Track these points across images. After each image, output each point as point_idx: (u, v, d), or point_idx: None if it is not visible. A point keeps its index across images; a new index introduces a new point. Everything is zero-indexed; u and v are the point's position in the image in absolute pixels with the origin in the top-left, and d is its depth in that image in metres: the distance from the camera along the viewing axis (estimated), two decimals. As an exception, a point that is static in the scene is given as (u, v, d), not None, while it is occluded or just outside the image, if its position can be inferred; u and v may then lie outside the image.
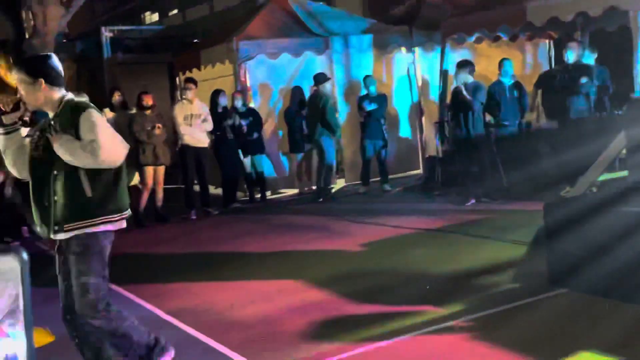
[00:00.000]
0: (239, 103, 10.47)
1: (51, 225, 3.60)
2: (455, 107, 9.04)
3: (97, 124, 3.56)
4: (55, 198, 3.58)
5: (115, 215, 3.68)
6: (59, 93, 3.67)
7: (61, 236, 3.64)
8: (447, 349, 4.08)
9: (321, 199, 10.31)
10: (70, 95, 3.71)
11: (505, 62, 9.67)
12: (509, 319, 4.45)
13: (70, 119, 3.59)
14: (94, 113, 3.62)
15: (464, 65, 9.02)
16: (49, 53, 3.86)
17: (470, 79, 8.93)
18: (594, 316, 4.32)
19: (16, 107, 3.57)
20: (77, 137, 3.55)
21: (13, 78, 3.87)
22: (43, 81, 3.58)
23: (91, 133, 3.52)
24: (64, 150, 3.51)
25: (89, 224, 3.60)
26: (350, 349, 4.23)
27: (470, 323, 4.45)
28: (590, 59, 9.21)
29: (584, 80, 8.56)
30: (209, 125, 9.95)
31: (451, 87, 9.68)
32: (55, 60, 3.68)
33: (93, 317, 3.67)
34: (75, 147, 3.51)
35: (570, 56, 8.74)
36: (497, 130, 9.53)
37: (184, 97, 9.96)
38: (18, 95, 3.63)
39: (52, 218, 3.59)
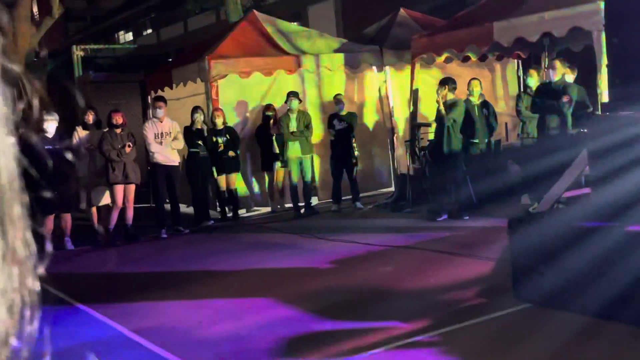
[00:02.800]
0: (218, 121, 10.50)
1: None
2: (436, 122, 9.26)
3: None
4: None
5: None
6: None
7: None
8: (412, 364, 4.10)
9: (304, 216, 10.41)
10: None
11: (473, 82, 9.85)
12: (473, 334, 4.49)
13: None
14: None
15: (445, 82, 9.22)
16: None
17: (450, 95, 9.12)
18: (557, 330, 4.38)
19: None
20: None
21: None
22: None
23: None
24: None
25: None
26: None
27: (435, 338, 4.48)
28: (569, 78, 9.41)
29: (565, 100, 8.74)
30: (180, 144, 9.95)
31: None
32: None
33: None
34: None
35: (553, 75, 8.95)
36: (468, 148, 9.67)
37: (154, 115, 9.96)
38: None
39: None
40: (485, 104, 9.96)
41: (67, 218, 9.24)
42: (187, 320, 5.58)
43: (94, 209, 9.78)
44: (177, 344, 4.96)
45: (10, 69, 0.40)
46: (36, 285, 0.39)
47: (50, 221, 8.99)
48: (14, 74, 0.39)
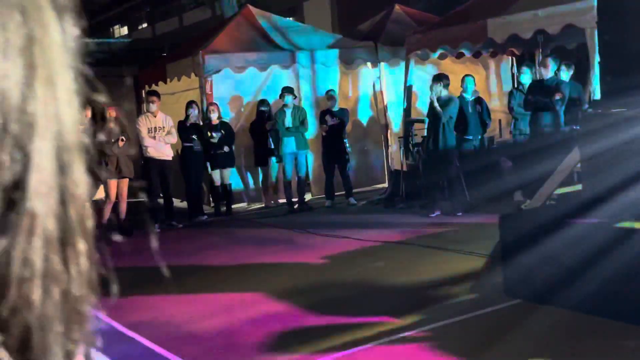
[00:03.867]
0: (213, 115, 10.49)
1: None
2: (430, 119, 9.26)
3: None
4: None
5: None
6: None
7: None
8: (401, 359, 4.12)
9: (298, 211, 10.42)
10: None
11: (467, 79, 9.87)
12: (463, 330, 4.52)
13: None
14: None
15: (439, 78, 9.22)
16: None
17: (444, 92, 9.12)
18: (546, 326, 4.40)
19: None
20: None
21: None
22: None
23: None
24: None
25: None
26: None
27: (426, 333, 4.50)
28: (566, 74, 9.42)
29: (557, 97, 8.76)
30: (173, 138, 9.94)
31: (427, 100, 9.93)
32: None
33: None
34: None
35: (545, 73, 8.97)
36: (462, 144, 9.69)
37: (147, 110, 9.95)
38: None
39: None
40: (478, 101, 9.98)
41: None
42: (179, 315, 5.59)
43: (86, 203, 9.77)
44: (169, 338, 4.97)
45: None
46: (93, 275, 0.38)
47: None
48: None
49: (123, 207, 9.61)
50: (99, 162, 9.71)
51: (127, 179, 9.54)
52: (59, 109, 0.34)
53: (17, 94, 0.32)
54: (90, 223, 0.38)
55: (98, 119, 9.92)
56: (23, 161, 0.32)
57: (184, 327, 5.26)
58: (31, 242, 0.33)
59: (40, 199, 0.33)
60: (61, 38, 0.35)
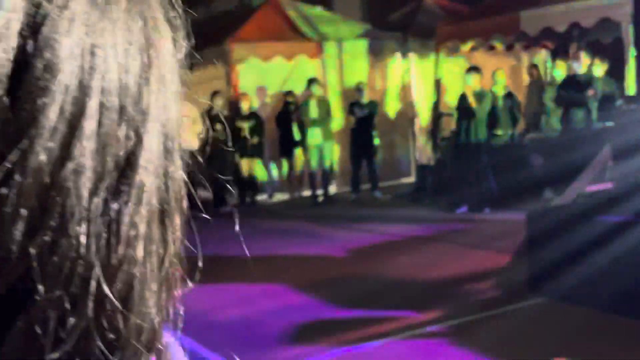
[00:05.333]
0: (244, 106, 10.47)
1: None
2: (460, 112, 9.11)
3: None
4: None
5: None
6: None
7: None
8: (423, 354, 4.06)
9: (322, 203, 10.38)
10: None
11: (498, 72, 9.71)
12: (486, 326, 4.44)
13: None
14: None
15: (472, 71, 9.07)
16: None
17: (477, 85, 8.99)
18: (571, 325, 4.31)
19: None
20: None
21: None
22: None
23: None
24: None
25: None
26: (328, 352, 4.22)
27: (448, 329, 4.44)
28: (600, 70, 9.22)
29: (590, 93, 8.58)
30: (196, 128, 9.83)
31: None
32: None
33: None
34: None
35: (578, 67, 8.79)
36: (492, 139, 9.55)
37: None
38: None
39: None
40: (509, 95, 9.82)
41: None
42: (202, 304, 5.58)
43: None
44: (191, 327, 4.96)
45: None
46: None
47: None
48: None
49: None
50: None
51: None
52: (167, 103, 0.41)
53: (135, 86, 0.38)
54: (185, 203, 0.44)
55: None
56: (135, 141, 0.38)
57: (207, 315, 5.25)
58: (138, 210, 0.38)
59: (148, 174, 0.39)
60: (172, 47, 0.43)
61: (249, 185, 10.81)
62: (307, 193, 11.03)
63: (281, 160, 11.29)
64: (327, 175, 10.70)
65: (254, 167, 10.73)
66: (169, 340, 0.51)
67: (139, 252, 0.39)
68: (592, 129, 8.53)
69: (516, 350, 3.95)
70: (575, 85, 8.71)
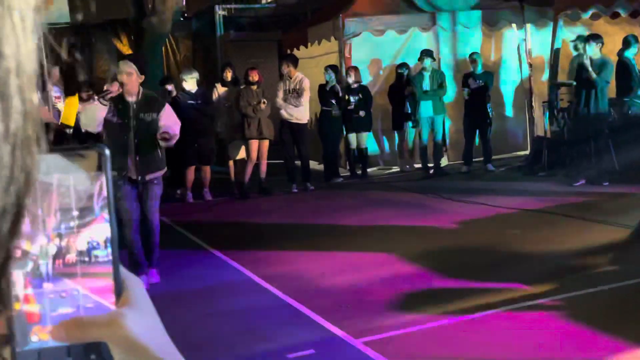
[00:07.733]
0: (350, 79, 10.57)
1: None
2: (579, 83, 8.76)
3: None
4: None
5: None
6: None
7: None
8: (530, 326, 4.04)
9: (433, 176, 10.35)
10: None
11: (631, 37, 9.20)
12: (598, 301, 4.33)
13: (152, 107, 5.43)
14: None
15: (592, 38, 8.68)
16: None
17: (598, 54, 8.60)
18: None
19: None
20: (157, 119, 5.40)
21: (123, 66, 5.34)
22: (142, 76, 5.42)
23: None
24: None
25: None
26: (435, 320, 4.28)
27: (559, 302, 4.38)
28: None
29: None
30: (302, 101, 9.87)
31: (573, 63, 9.37)
32: None
33: None
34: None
35: None
36: (626, 106, 9.06)
37: (283, 74, 10.13)
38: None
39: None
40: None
41: (207, 170, 9.77)
42: (311, 270, 5.79)
43: (230, 163, 10.22)
44: (300, 291, 5.18)
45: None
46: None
47: (191, 173, 9.56)
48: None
49: (263, 167, 9.97)
50: (242, 123, 10.16)
51: (268, 140, 9.87)
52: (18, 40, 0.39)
53: None
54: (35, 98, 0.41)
55: (241, 82, 10.31)
56: None
57: (315, 281, 5.45)
58: None
59: None
60: None
61: (359, 157, 10.92)
62: (418, 165, 11.02)
63: (394, 132, 11.31)
64: (438, 148, 10.63)
65: (364, 141, 10.80)
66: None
67: None
68: None
69: (626, 327, 3.84)
70: None
